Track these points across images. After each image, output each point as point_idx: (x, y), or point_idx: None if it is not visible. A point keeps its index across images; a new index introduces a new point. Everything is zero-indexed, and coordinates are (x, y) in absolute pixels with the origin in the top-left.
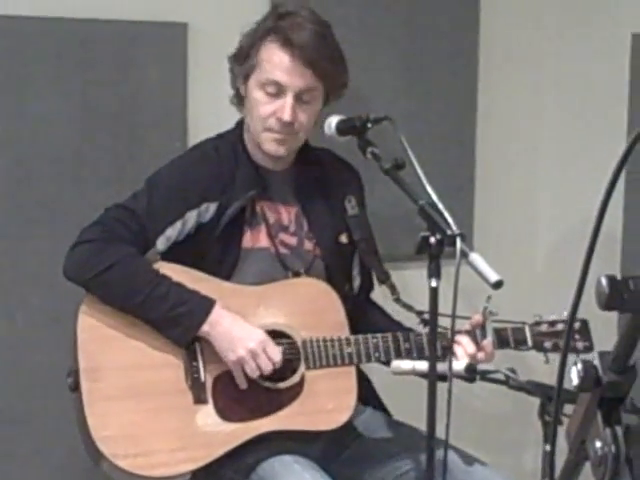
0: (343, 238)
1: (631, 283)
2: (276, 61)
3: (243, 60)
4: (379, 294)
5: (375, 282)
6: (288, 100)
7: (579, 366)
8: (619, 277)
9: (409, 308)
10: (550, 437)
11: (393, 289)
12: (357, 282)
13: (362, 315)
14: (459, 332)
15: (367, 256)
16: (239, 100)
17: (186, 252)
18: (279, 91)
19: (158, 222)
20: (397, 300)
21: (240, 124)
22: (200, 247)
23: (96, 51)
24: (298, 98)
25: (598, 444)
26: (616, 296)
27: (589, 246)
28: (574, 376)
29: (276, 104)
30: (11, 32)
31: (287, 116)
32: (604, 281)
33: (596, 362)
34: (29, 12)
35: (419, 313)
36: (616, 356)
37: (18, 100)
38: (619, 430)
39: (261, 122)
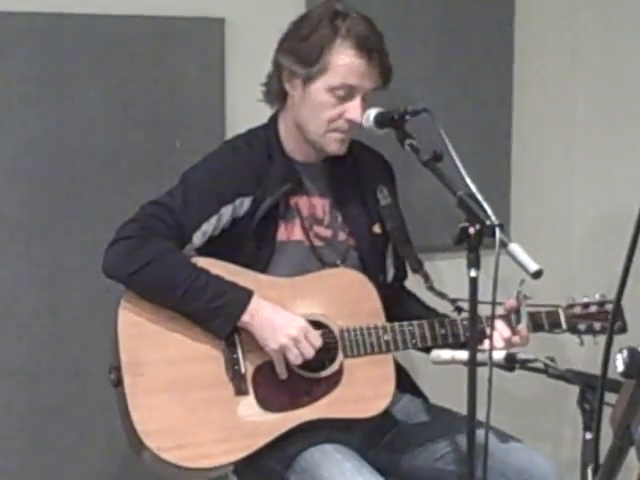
0: (376, 228)
1: None
2: (353, 66)
3: (310, 63)
4: (413, 282)
5: (409, 271)
6: (358, 102)
7: (624, 353)
8: None
9: (442, 296)
10: (593, 424)
11: (426, 277)
12: (391, 271)
13: (397, 304)
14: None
15: (400, 245)
16: (281, 97)
17: (222, 246)
18: (348, 94)
19: (194, 218)
20: (430, 288)
21: (274, 119)
22: (235, 241)
23: (134, 47)
24: (363, 98)
25: None
26: None
27: (634, 231)
28: (619, 363)
29: (344, 106)
30: (49, 29)
31: (359, 118)
32: None
33: None
34: (67, 9)
35: (453, 301)
36: None
37: (57, 96)
38: None
39: (326, 124)
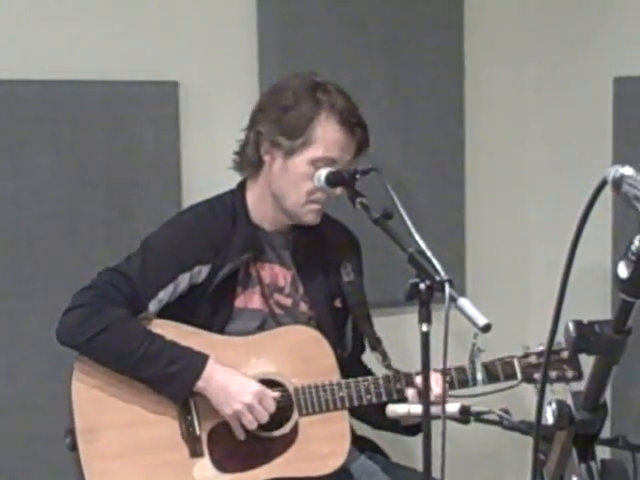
0: (337, 303)
1: (597, 327)
2: (336, 140)
3: (295, 136)
4: (372, 359)
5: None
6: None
7: (553, 406)
8: (585, 321)
9: (398, 374)
10: (533, 473)
11: (384, 355)
12: (349, 345)
13: (353, 373)
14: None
15: (360, 322)
16: (256, 165)
17: (177, 311)
18: (328, 165)
19: (150, 286)
20: (388, 367)
21: (242, 185)
22: (191, 306)
23: (89, 111)
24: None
25: (575, 479)
26: (583, 339)
27: (560, 291)
28: (549, 415)
29: None
30: (5, 96)
31: (338, 190)
32: (571, 326)
33: (569, 401)
34: (22, 76)
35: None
36: (587, 395)
37: (13, 162)
38: (594, 465)
39: (306, 195)
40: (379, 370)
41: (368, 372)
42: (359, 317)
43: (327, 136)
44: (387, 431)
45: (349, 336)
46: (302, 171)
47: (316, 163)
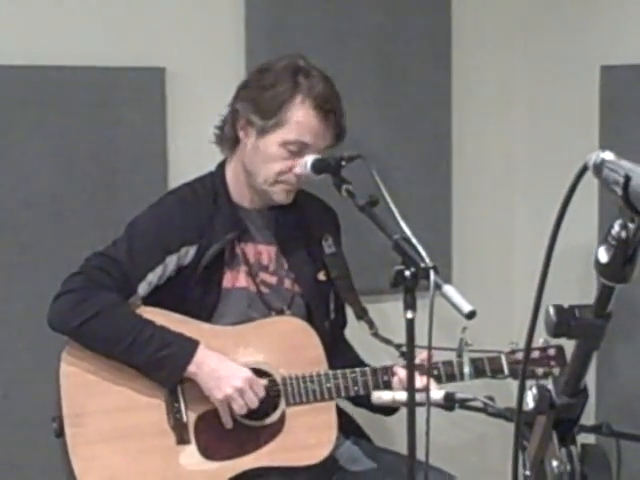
0: (321, 276)
1: (577, 311)
2: (309, 124)
3: (268, 116)
4: (358, 329)
5: (353, 317)
6: (310, 159)
7: (534, 390)
8: (566, 306)
9: (387, 342)
10: (514, 460)
11: (371, 324)
12: (333, 318)
13: (337, 350)
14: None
15: (345, 293)
16: (233, 142)
17: (167, 294)
18: (300, 150)
19: (139, 269)
20: (375, 335)
21: (221, 165)
22: (180, 289)
23: (76, 97)
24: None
25: (555, 463)
26: (563, 324)
27: (540, 279)
28: (530, 400)
29: (295, 161)
30: None
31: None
32: (551, 310)
33: (550, 386)
34: (8, 61)
35: (397, 346)
36: (568, 380)
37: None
38: (574, 449)
39: (275, 176)
40: (365, 340)
41: (351, 348)
42: (343, 288)
43: (299, 120)
44: (366, 409)
45: (332, 309)
46: (272, 152)
47: (287, 146)
